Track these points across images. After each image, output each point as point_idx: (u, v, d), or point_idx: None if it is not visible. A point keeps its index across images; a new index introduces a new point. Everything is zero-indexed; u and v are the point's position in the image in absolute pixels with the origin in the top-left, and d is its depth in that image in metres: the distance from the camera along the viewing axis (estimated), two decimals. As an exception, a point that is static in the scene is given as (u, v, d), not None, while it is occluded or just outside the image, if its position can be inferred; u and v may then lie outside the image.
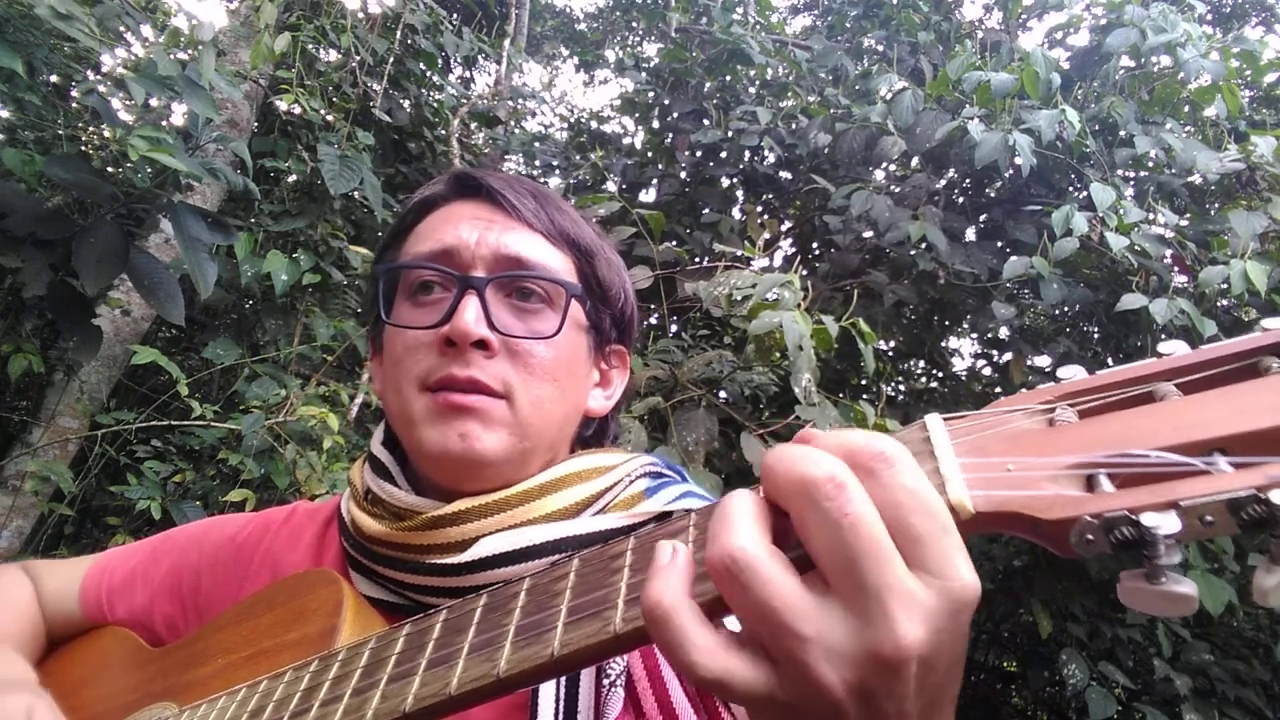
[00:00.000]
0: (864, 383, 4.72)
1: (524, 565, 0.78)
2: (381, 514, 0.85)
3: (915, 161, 4.88)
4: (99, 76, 3.44)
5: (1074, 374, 0.47)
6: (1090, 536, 0.38)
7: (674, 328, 4.50)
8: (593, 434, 0.99)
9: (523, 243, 0.88)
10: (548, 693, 0.71)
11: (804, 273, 4.00)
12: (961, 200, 4.91)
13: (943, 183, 4.87)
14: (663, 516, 0.82)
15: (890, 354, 5.22)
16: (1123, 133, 4.14)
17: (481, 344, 0.82)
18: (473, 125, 5.63)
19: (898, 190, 4.67)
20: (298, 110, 3.82)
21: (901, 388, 5.39)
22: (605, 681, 0.72)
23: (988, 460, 0.43)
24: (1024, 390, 0.48)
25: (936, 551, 0.40)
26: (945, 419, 0.47)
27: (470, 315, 0.81)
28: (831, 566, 0.41)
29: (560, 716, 0.70)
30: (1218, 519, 0.37)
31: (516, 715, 0.72)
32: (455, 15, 5.63)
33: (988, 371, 5.16)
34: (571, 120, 7.66)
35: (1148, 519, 0.37)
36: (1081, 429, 0.43)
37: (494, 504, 0.81)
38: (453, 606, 0.60)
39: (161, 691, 0.86)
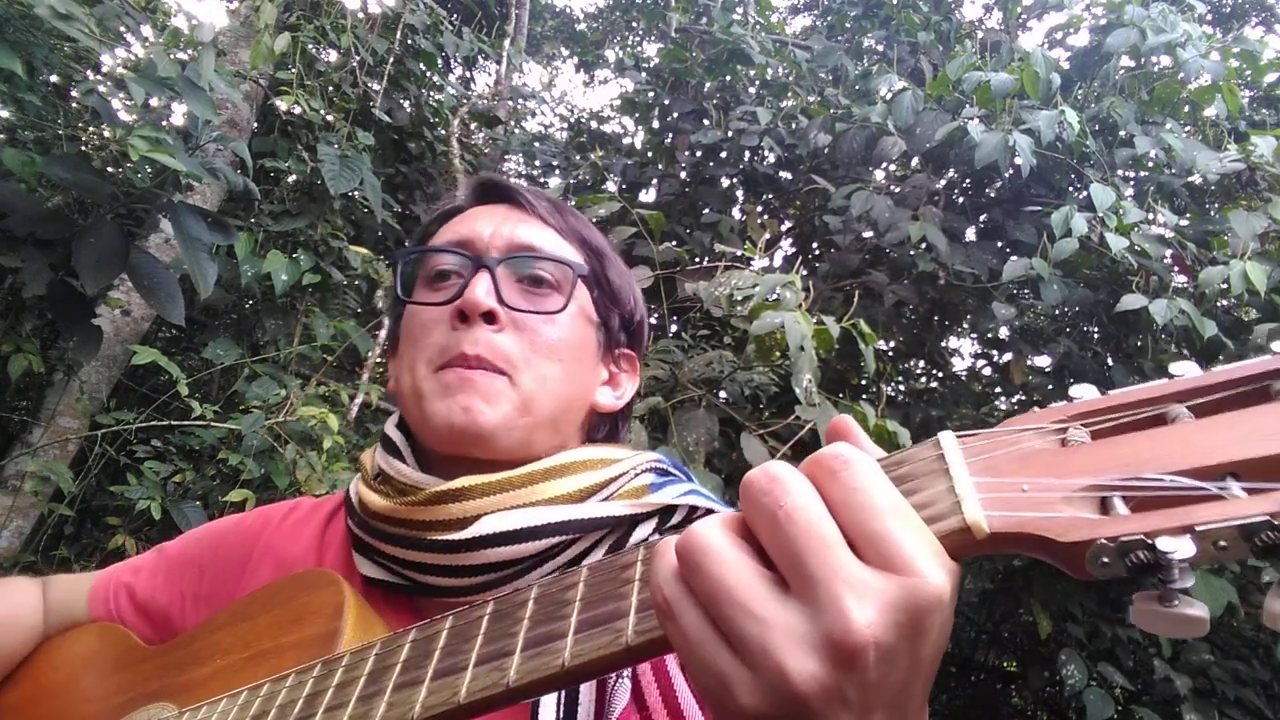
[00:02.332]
0: (864, 383, 4.72)
1: (525, 545, 0.79)
2: (388, 491, 0.87)
3: (915, 162, 4.88)
4: (99, 76, 3.43)
5: (1086, 394, 0.47)
6: (1106, 559, 0.38)
7: (674, 328, 4.50)
8: (605, 436, 1.01)
9: (535, 234, 0.93)
10: None
11: (804, 273, 4.00)
12: (961, 200, 4.91)
13: (943, 183, 4.86)
14: (669, 509, 0.84)
15: (890, 354, 5.22)
16: (1123, 133, 4.14)
17: (490, 317, 0.85)
18: (473, 125, 5.62)
19: (898, 190, 4.67)
20: (298, 110, 3.82)
21: (901, 388, 5.39)
22: (610, 676, 0.72)
23: (1002, 480, 0.43)
24: (1034, 405, 0.48)
25: (895, 547, 0.41)
26: (959, 436, 0.47)
27: (481, 289, 0.85)
28: (780, 560, 0.42)
29: (562, 709, 0.71)
30: (1231, 544, 0.36)
31: (519, 707, 0.72)
32: (455, 15, 5.62)
33: (988, 371, 5.16)
34: (571, 120, 7.65)
35: (1163, 543, 0.37)
36: (1095, 450, 0.43)
37: (497, 483, 0.82)
38: (459, 613, 0.59)
39: (156, 691, 0.86)
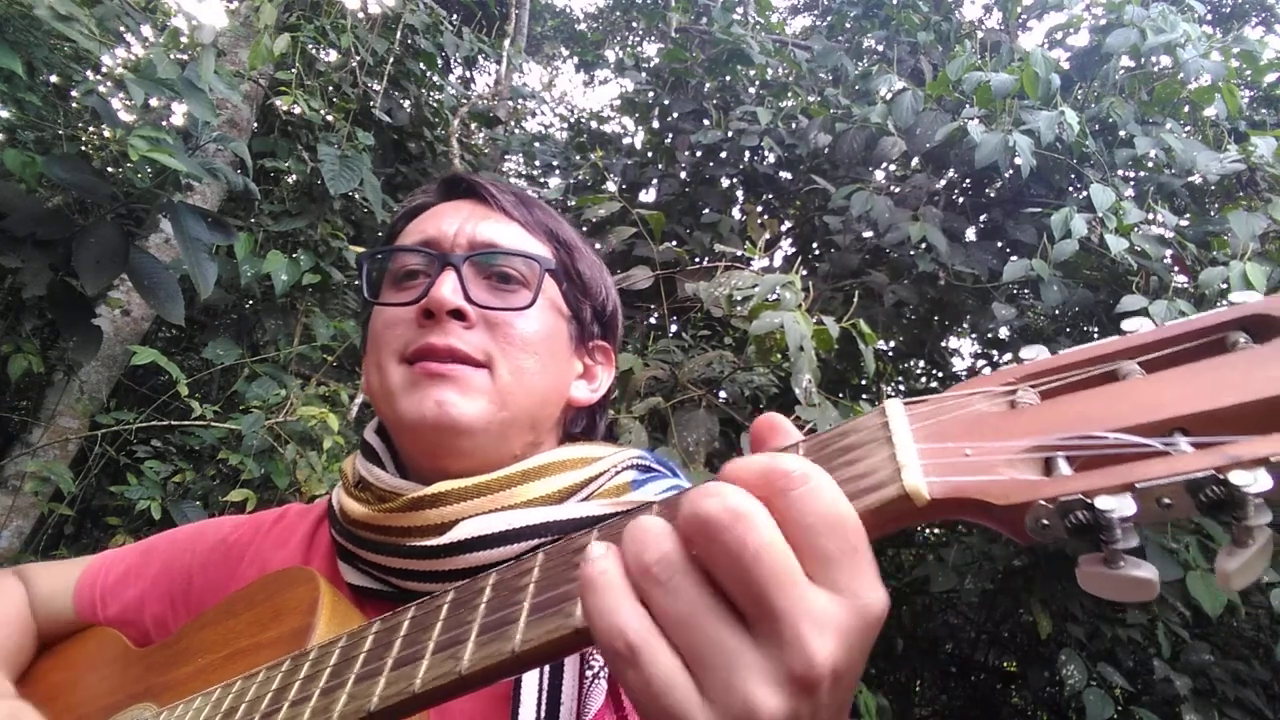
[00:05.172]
0: (864, 383, 4.71)
1: (504, 549, 0.78)
2: (368, 498, 0.86)
3: (915, 162, 4.88)
4: (99, 76, 3.44)
5: (1037, 354, 0.46)
6: (1045, 521, 0.38)
7: (674, 328, 4.50)
8: (582, 431, 0.99)
9: (499, 230, 0.92)
10: (530, 684, 0.71)
11: (804, 273, 4.00)
12: (961, 201, 4.91)
13: (943, 183, 4.86)
14: (648, 507, 0.82)
15: (890, 354, 5.22)
16: (1123, 133, 4.13)
17: (458, 314, 0.84)
18: (473, 125, 5.63)
19: (898, 190, 4.67)
20: (298, 110, 3.83)
21: (902, 388, 5.39)
22: (589, 673, 0.72)
23: (946, 445, 0.42)
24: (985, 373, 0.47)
25: (847, 571, 0.40)
26: (906, 403, 0.46)
27: (447, 287, 0.84)
28: (741, 595, 0.41)
29: (543, 708, 0.70)
30: (1176, 501, 0.36)
31: (499, 706, 0.72)
32: (455, 15, 5.63)
33: (988, 371, 5.14)
34: (571, 120, 7.67)
35: (1102, 502, 0.36)
36: (1042, 410, 0.42)
37: (475, 487, 0.81)
38: (422, 603, 0.59)
39: (143, 692, 0.87)
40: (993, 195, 4.77)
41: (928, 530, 4.91)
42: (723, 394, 3.59)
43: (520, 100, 7.48)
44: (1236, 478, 0.35)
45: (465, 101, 5.49)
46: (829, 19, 6.69)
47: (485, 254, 0.89)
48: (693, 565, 0.42)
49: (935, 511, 0.41)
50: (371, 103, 4.26)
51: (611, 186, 5.43)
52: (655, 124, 5.77)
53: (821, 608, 0.40)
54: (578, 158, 6.17)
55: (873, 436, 0.45)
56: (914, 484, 0.41)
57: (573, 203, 4.24)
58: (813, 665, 0.39)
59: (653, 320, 4.57)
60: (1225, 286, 3.35)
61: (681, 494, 0.46)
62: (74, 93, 3.53)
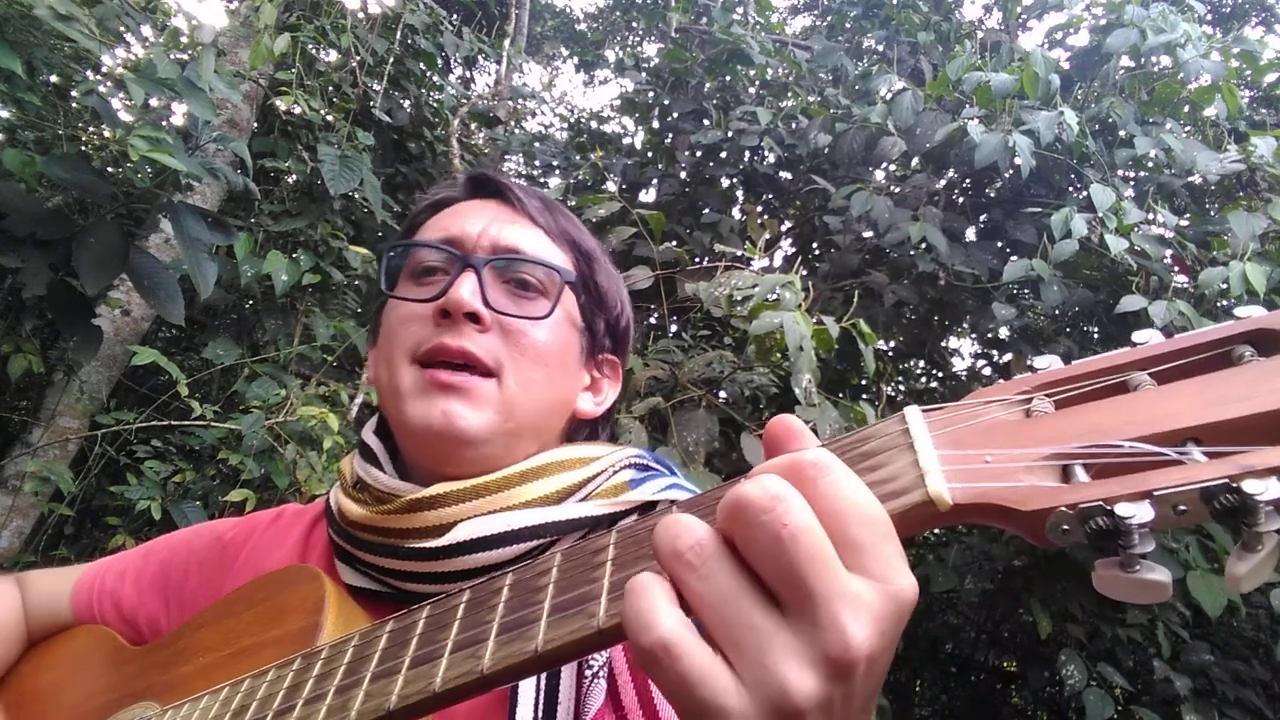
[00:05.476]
0: (864, 383, 4.72)
1: (503, 550, 0.78)
2: (366, 499, 0.86)
3: (915, 162, 4.88)
4: (99, 76, 3.44)
5: (1050, 364, 0.47)
6: (1066, 527, 0.39)
7: (674, 328, 4.50)
8: (583, 440, 0.99)
9: (523, 236, 0.92)
10: (527, 686, 0.71)
11: (804, 273, 4.00)
12: (961, 201, 4.92)
13: (943, 183, 4.87)
14: (648, 506, 0.82)
15: (890, 354, 5.22)
16: (1123, 133, 4.14)
17: (475, 317, 0.84)
18: (473, 125, 5.63)
19: (898, 191, 4.68)
20: (298, 110, 3.83)
21: (902, 388, 5.40)
22: (587, 673, 0.72)
23: (966, 452, 0.43)
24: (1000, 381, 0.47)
25: (879, 557, 0.40)
26: (924, 410, 0.47)
27: (466, 289, 0.84)
28: (777, 578, 0.40)
29: (540, 709, 0.70)
30: (1191, 508, 0.37)
31: (496, 708, 0.72)
32: (455, 15, 5.63)
33: (988, 371, 5.16)
34: (571, 120, 7.68)
35: (1122, 509, 0.37)
36: (1057, 419, 0.43)
37: (473, 489, 0.81)
38: (436, 602, 0.59)
39: (142, 691, 0.86)
40: (993, 195, 4.78)
41: (928, 530, 4.91)
42: (723, 394, 3.59)
43: (520, 100, 7.49)
44: (1249, 486, 0.36)
45: (465, 101, 5.49)
46: (829, 19, 6.70)
47: (507, 259, 0.89)
48: (726, 550, 0.42)
49: (957, 516, 0.42)
50: (371, 103, 4.26)
51: (611, 186, 5.43)
52: (655, 124, 5.77)
53: (857, 592, 0.40)
54: (578, 158, 6.18)
55: (894, 443, 0.45)
56: (937, 490, 0.42)
57: (573, 203, 4.24)
58: (849, 648, 0.39)
59: (653, 320, 4.56)
60: (1225, 286, 3.36)
61: (707, 493, 0.46)
62: (74, 93, 3.52)
